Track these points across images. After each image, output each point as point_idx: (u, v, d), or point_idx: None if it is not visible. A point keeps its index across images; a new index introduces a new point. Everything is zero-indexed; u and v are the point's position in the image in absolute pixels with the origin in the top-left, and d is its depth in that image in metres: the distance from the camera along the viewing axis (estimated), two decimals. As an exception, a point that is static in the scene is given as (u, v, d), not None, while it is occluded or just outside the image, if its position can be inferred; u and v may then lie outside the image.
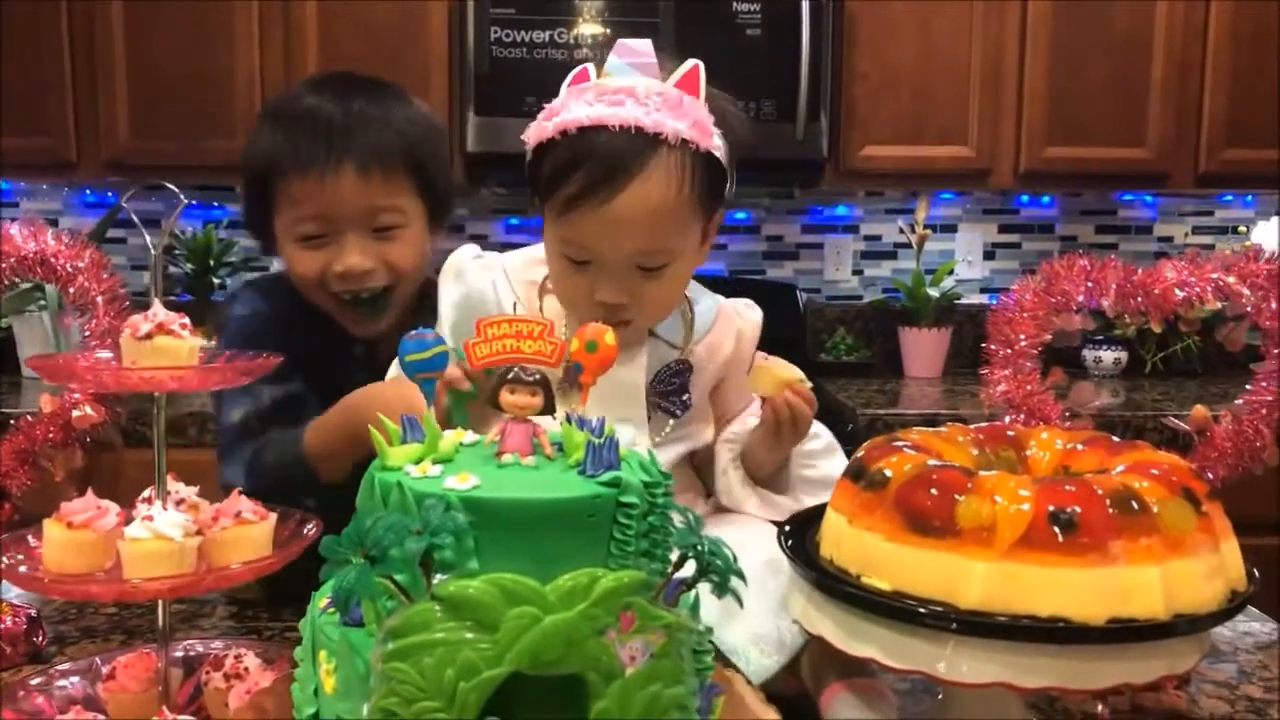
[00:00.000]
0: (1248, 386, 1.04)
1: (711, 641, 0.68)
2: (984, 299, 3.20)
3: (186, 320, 0.86)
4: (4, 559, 0.85)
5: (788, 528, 0.89)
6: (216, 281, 2.92)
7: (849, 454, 0.91)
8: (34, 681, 0.90)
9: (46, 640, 1.08)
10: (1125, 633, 0.71)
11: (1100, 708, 0.95)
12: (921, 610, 0.73)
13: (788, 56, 2.60)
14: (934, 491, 0.75)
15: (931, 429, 0.90)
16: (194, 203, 3.00)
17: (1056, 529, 0.71)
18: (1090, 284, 1.04)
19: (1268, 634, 1.15)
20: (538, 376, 0.71)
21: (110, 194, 3.09)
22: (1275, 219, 3.18)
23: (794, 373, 1.05)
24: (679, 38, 2.56)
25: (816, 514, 0.88)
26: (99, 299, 1.05)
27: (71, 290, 1.06)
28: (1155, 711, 0.96)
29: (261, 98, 2.68)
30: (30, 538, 0.88)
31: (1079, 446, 0.87)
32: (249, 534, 0.87)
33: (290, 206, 1.25)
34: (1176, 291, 1.01)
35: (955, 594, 0.72)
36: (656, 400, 1.08)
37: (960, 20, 2.75)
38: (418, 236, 1.31)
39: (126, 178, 2.72)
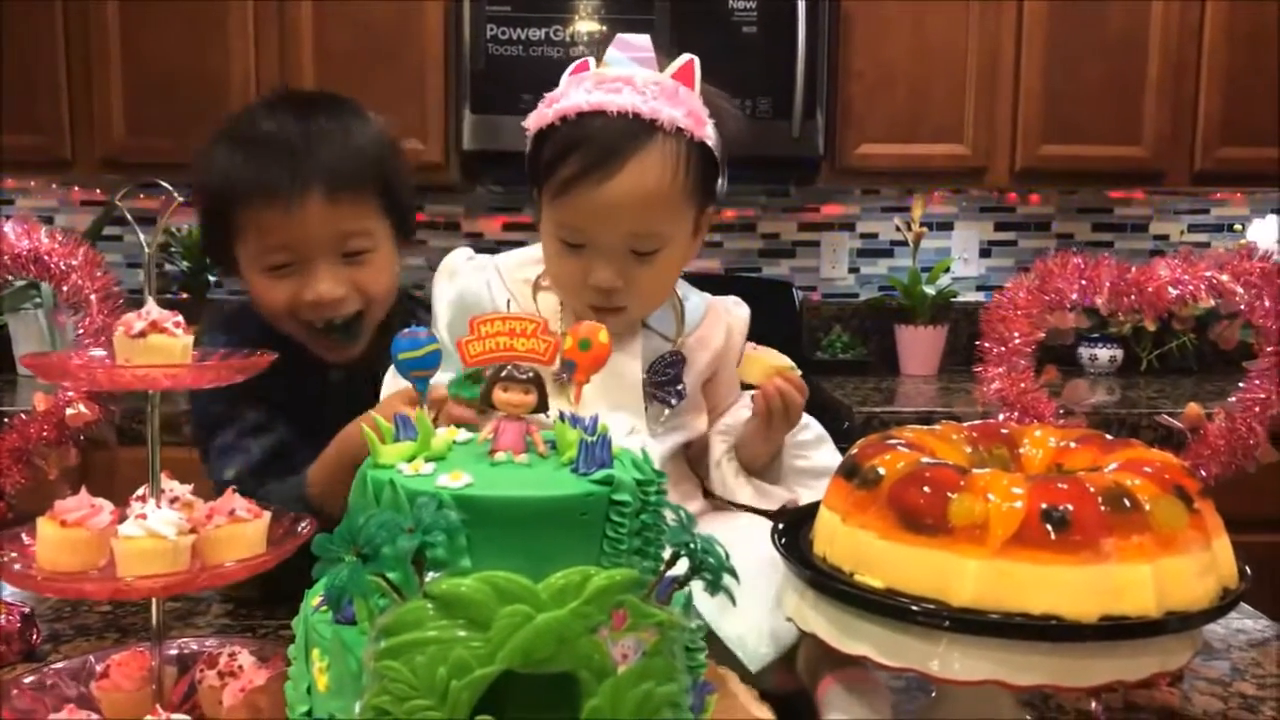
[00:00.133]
0: (1241, 384, 1.05)
1: (711, 632, 0.68)
2: (980, 297, 3.21)
3: (180, 318, 0.86)
4: (-2, 557, 0.85)
5: (781, 526, 0.89)
6: (212, 279, 2.92)
7: (844, 451, 0.91)
8: (27, 680, 0.90)
9: (41, 638, 1.08)
10: (1117, 630, 0.71)
11: (1094, 705, 0.95)
12: (914, 608, 0.73)
13: (784, 54, 2.60)
14: (927, 489, 0.75)
15: (925, 427, 0.90)
16: (189, 200, 2.99)
17: (1049, 527, 0.71)
18: (1084, 282, 1.04)
19: (1260, 631, 1.15)
20: (531, 375, 0.71)
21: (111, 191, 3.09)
22: (1271, 217, 3.19)
23: (783, 361, 1.07)
24: (675, 35, 2.56)
25: (810, 512, 0.88)
26: (92, 297, 1.05)
27: (65, 288, 1.07)
28: (1148, 708, 0.96)
29: (257, 95, 2.66)
30: (24, 536, 0.88)
31: (1072, 444, 0.87)
32: (243, 532, 0.87)
33: (255, 236, 1.20)
34: (1170, 290, 1.01)
35: (948, 592, 0.72)
36: (652, 390, 1.09)
37: (956, 18, 2.75)
38: (387, 259, 1.27)
39: (122, 175, 2.72)
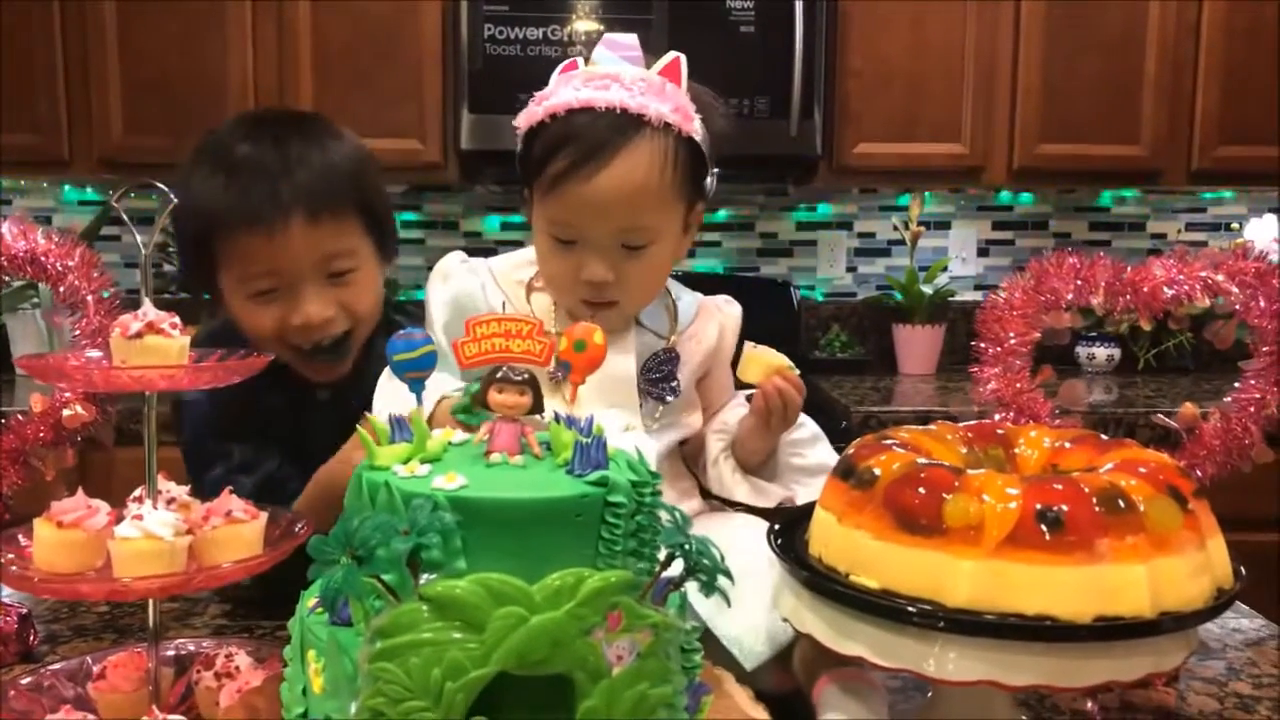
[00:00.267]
0: (1236, 384, 1.05)
1: (707, 632, 0.68)
2: (978, 296, 3.21)
3: (177, 319, 0.86)
4: (-5, 558, 0.85)
5: (777, 526, 0.89)
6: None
7: (841, 451, 0.92)
8: (24, 681, 0.90)
9: (38, 639, 1.08)
10: (1111, 631, 0.71)
11: (1090, 704, 0.95)
12: (910, 609, 0.73)
13: (781, 53, 2.60)
14: (922, 490, 0.75)
15: (921, 427, 0.91)
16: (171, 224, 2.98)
17: (1043, 527, 0.71)
18: (1079, 282, 1.04)
19: (1256, 630, 1.15)
20: (526, 376, 0.71)
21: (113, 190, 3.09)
22: (1268, 215, 3.19)
23: (782, 360, 1.08)
24: (673, 34, 2.56)
25: (806, 512, 0.89)
26: (89, 298, 1.05)
27: (62, 289, 1.06)
28: (1144, 708, 0.96)
29: (255, 95, 2.68)
30: (21, 537, 0.88)
31: (1067, 445, 0.87)
32: (240, 533, 0.87)
33: (239, 263, 1.19)
34: (1165, 290, 1.01)
35: (943, 592, 0.73)
36: (647, 388, 1.10)
37: (953, 17, 2.75)
38: (371, 277, 1.27)
39: (119, 175, 2.72)
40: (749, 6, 2.62)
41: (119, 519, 0.84)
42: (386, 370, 1.14)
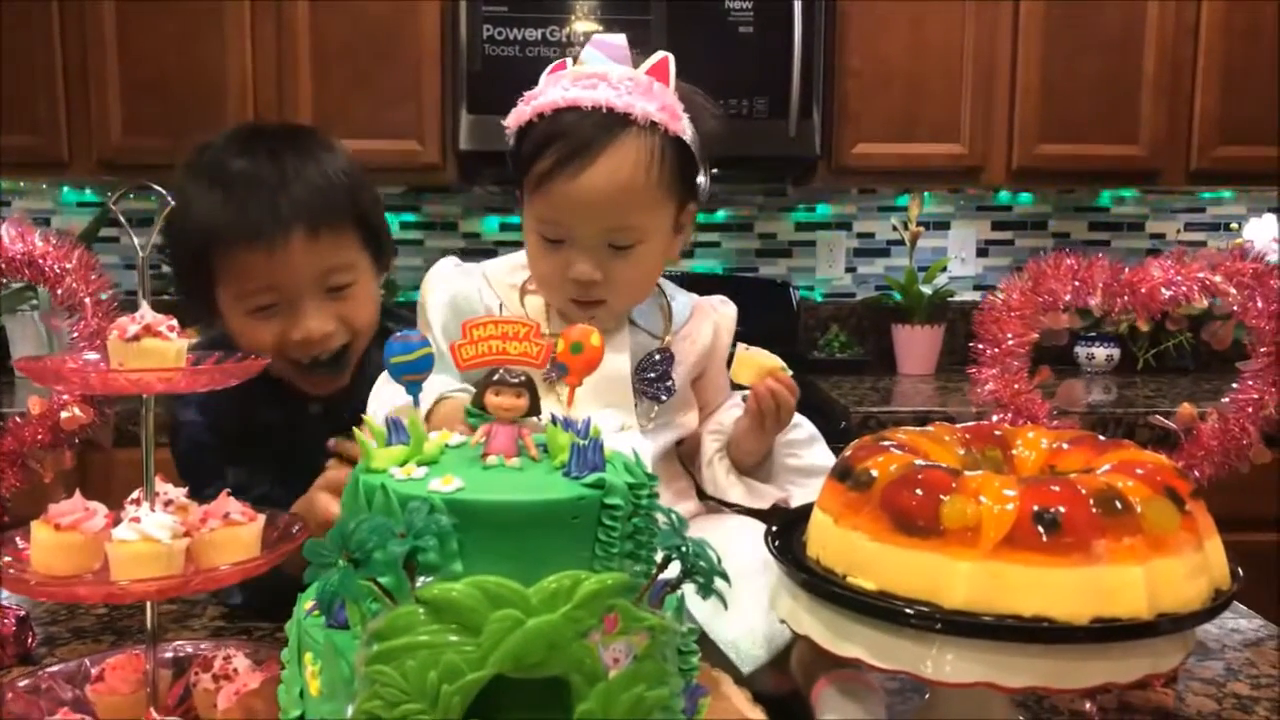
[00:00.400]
0: (1234, 385, 1.05)
1: (705, 634, 0.68)
2: (977, 296, 3.21)
3: (174, 322, 0.86)
4: (-8, 561, 0.85)
5: (774, 528, 0.89)
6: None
7: (839, 452, 0.92)
8: (22, 683, 0.90)
9: (36, 641, 1.08)
10: (1109, 632, 0.71)
11: (1088, 705, 0.95)
12: (907, 610, 0.73)
13: (780, 53, 2.60)
14: (919, 491, 0.75)
15: (918, 428, 0.91)
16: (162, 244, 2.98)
17: (1040, 529, 0.71)
18: (1077, 283, 1.04)
19: (1255, 631, 1.15)
20: (523, 378, 0.71)
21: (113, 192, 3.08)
22: (1267, 215, 3.19)
23: (774, 361, 1.08)
24: (671, 35, 2.56)
25: (803, 514, 0.89)
26: (87, 300, 1.05)
27: (60, 291, 1.06)
28: (1143, 709, 0.96)
29: (254, 96, 2.67)
30: (18, 539, 0.88)
31: (1065, 445, 0.87)
32: (237, 535, 0.87)
33: (237, 279, 1.19)
34: (1163, 290, 1.01)
35: (940, 594, 0.72)
36: (642, 388, 1.10)
37: (952, 17, 2.75)
38: (369, 289, 1.27)
39: (118, 177, 2.72)
40: (747, 7, 2.62)
41: (116, 521, 0.84)
42: (384, 373, 1.14)
